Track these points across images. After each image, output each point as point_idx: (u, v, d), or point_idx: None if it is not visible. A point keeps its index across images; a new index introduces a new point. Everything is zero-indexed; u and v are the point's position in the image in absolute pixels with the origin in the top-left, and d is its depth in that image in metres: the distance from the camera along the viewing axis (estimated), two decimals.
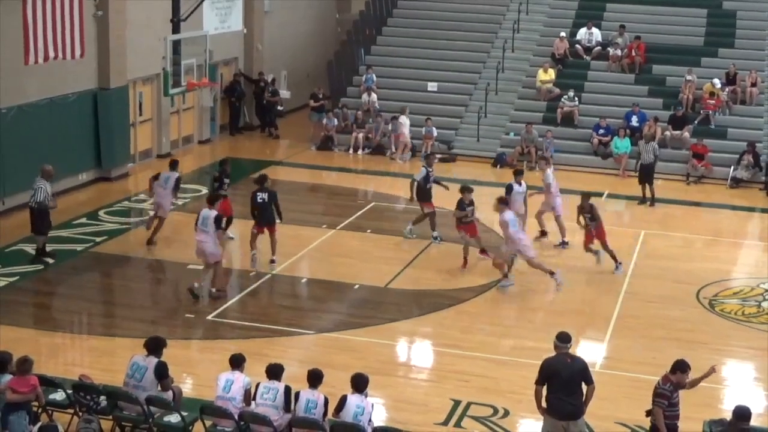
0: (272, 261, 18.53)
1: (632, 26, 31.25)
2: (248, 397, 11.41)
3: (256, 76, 30.82)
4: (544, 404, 11.00)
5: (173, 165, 19.74)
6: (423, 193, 20.10)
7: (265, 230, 18.41)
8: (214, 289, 16.81)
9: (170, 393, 11.66)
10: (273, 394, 11.22)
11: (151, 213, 20.03)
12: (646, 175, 24.14)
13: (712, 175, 26.67)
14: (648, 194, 24.08)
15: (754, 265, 20.09)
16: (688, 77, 28.70)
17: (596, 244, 18.90)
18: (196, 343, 15.48)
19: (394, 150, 28.22)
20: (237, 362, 11.62)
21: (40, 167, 18.29)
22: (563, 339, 11.09)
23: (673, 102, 28.74)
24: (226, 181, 19.87)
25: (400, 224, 20.98)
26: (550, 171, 20.66)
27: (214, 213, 16.64)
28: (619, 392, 13.43)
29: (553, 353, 11.13)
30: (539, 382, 10.99)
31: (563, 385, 10.83)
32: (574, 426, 10.87)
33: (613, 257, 18.78)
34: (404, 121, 28.07)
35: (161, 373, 11.52)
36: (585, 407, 11.00)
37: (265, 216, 18.30)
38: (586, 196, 19.13)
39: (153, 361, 11.58)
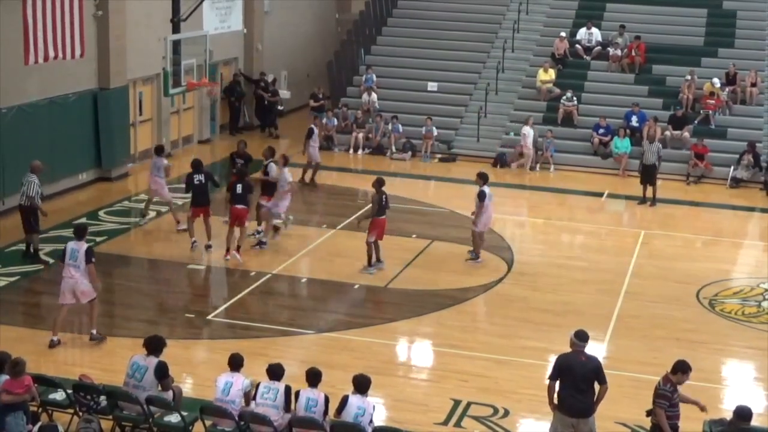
0: (208, 246, 18.81)
1: (632, 26, 31.25)
2: (248, 398, 11.41)
3: (256, 76, 30.82)
4: (555, 400, 11.01)
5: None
6: (270, 187, 19.91)
7: (201, 214, 18.89)
8: (94, 331, 14.81)
9: (170, 393, 11.65)
10: (273, 393, 11.22)
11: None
12: (648, 175, 24.09)
13: (712, 175, 26.66)
14: (649, 194, 24.05)
15: (754, 265, 20.09)
16: (689, 77, 28.69)
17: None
18: (196, 343, 15.45)
19: (394, 150, 28.21)
20: (236, 363, 11.61)
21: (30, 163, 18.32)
22: (581, 337, 11.08)
23: (673, 102, 28.73)
24: (239, 161, 20.45)
25: (399, 224, 20.92)
26: (286, 170, 19.91)
27: (84, 246, 14.54)
28: (620, 392, 13.37)
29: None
30: (552, 378, 11.01)
31: (576, 382, 10.84)
32: (584, 424, 10.88)
33: (369, 258, 18.38)
34: (527, 131, 27.23)
35: (161, 373, 11.52)
36: (596, 406, 11.01)
37: (201, 198, 18.87)
38: (378, 182, 18.49)
39: (153, 361, 11.58)
